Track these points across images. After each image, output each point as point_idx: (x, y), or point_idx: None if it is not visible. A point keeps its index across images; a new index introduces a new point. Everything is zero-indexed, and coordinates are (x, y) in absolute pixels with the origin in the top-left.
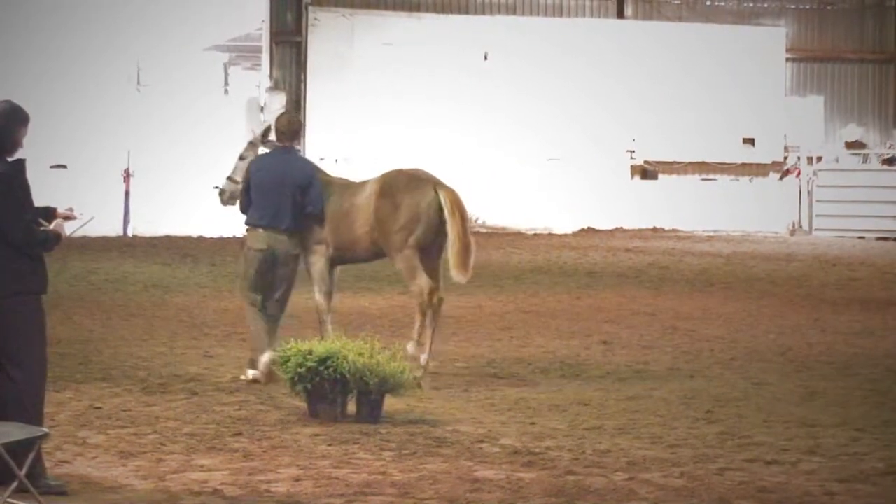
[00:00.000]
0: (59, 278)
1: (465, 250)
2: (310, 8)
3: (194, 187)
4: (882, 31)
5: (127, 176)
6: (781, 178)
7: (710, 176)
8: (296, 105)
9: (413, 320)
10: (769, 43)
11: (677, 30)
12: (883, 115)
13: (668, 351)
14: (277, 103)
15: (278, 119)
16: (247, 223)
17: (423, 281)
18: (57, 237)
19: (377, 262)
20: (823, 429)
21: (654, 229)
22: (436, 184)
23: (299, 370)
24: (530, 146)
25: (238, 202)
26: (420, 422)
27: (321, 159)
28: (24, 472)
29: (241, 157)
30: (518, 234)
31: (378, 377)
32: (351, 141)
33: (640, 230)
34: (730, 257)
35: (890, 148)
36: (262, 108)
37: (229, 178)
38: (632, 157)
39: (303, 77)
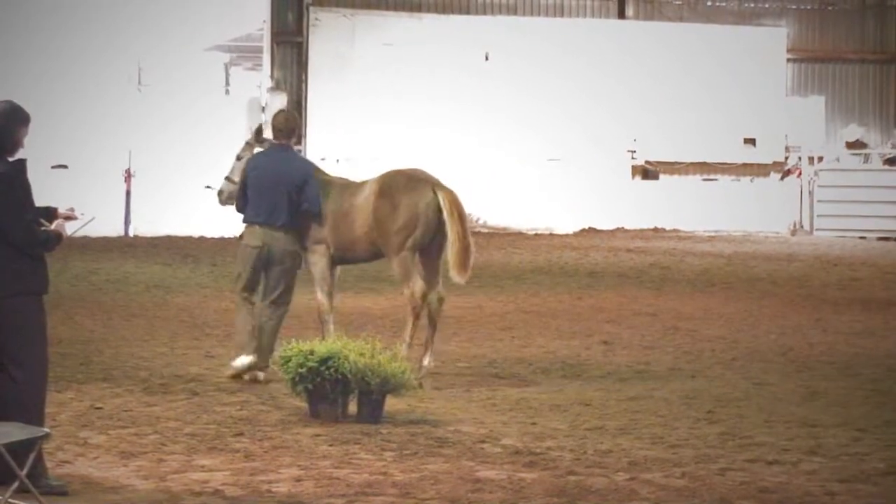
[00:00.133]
0: (61, 278)
1: (464, 251)
2: (311, 8)
3: (195, 187)
4: (883, 32)
5: (128, 176)
6: (782, 178)
7: (712, 176)
8: (297, 105)
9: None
10: (770, 43)
11: (678, 30)
12: (884, 115)
13: (669, 351)
14: (278, 103)
15: (275, 117)
16: (244, 221)
17: (417, 285)
18: (58, 237)
19: (379, 263)
20: (825, 429)
21: (656, 229)
22: (434, 184)
23: (300, 370)
24: (531, 146)
25: (235, 201)
26: (421, 422)
27: (322, 159)
28: (25, 472)
29: (238, 158)
30: (519, 235)
31: (379, 377)
32: (352, 141)
33: (642, 230)
34: (731, 257)
35: (893, 147)
36: (263, 109)
37: (227, 179)
38: (633, 158)
39: (304, 77)
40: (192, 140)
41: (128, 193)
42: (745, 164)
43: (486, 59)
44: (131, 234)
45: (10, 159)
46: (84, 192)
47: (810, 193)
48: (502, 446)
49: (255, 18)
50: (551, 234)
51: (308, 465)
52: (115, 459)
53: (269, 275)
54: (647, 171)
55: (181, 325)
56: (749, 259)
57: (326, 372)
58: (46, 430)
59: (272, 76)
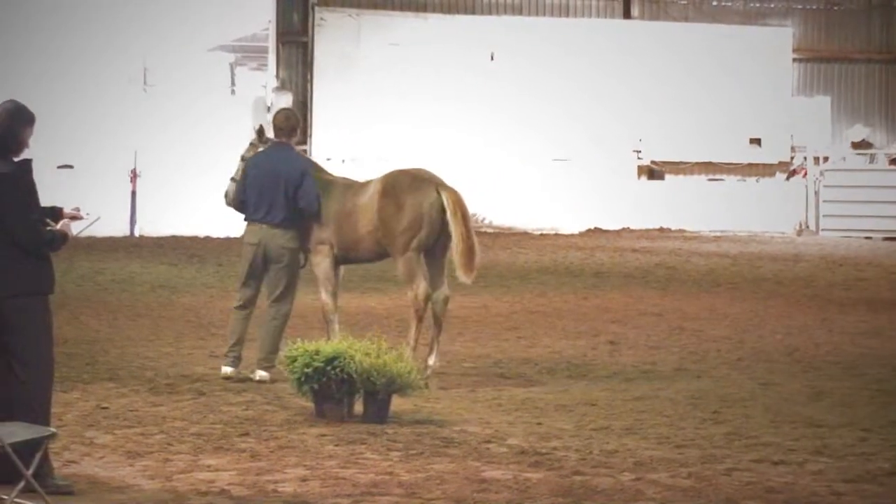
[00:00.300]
0: (66, 278)
1: (468, 251)
2: (316, 8)
3: (201, 187)
4: (889, 32)
5: (133, 176)
6: (788, 178)
7: (717, 176)
8: (302, 105)
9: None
10: (776, 43)
11: (684, 30)
12: (890, 116)
13: (674, 351)
14: (284, 103)
15: (275, 116)
16: (245, 219)
17: (420, 287)
18: (63, 237)
19: (383, 263)
20: (830, 429)
21: (661, 230)
22: (438, 184)
23: (306, 370)
24: (536, 146)
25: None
26: (427, 422)
27: (328, 159)
28: (31, 471)
29: (243, 158)
30: (524, 235)
31: (385, 377)
32: (357, 141)
33: (647, 230)
34: (736, 258)
35: None
36: (268, 109)
37: (232, 180)
38: (638, 158)
39: (309, 77)
40: (197, 140)
41: (133, 193)
42: (750, 165)
43: (492, 59)
44: (137, 234)
45: (16, 159)
46: (89, 192)
47: (816, 193)
48: (508, 446)
49: (261, 18)
50: (557, 235)
51: (314, 464)
52: (121, 459)
53: (269, 274)
54: (653, 172)
55: (187, 325)
56: (755, 259)
57: (332, 372)
58: (52, 429)
59: (277, 76)
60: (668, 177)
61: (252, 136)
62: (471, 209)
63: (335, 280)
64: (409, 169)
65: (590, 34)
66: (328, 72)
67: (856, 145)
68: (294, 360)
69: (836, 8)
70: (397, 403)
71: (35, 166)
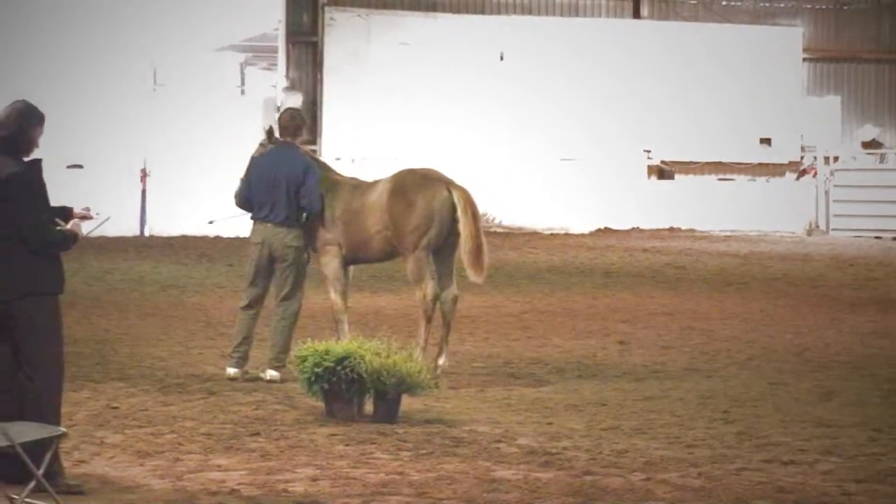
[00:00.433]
0: (76, 278)
1: (477, 250)
2: (326, 8)
3: (210, 187)
4: None
5: (143, 176)
6: (798, 178)
7: (727, 176)
8: (312, 105)
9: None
10: (785, 43)
11: (693, 30)
12: None
13: (685, 351)
14: (293, 103)
15: (280, 115)
16: (251, 218)
17: (428, 288)
18: (73, 237)
19: (393, 263)
20: (841, 429)
21: (671, 229)
22: (448, 183)
23: (316, 370)
24: (546, 146)
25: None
26: (437, 422)
27: (337, 159)
28: (41, 471)
29: (253, 159)
30: (534, 234)
31: (395, 377)
32: (367, 141)
33: (657, 230)
34: (747, 257)
35: None
36: (278, 108)
37: (242, 180)
38: (648, 157)
39: (319, 77)
40: (207, 140)
41: (143, 193)
42: (760, 164)
43: (501, 58)
44: (147, 233)
45: (26, 159)
46: (99, 191)
47: (826, 193)
48: (518, 446)
49: (271, 18)
50: (567, 234)
51: (324, 464)
52: (131, 459)
53: (275, 274)
54: (663, 171)
55: (197, 325)
56: (765, 259)
57: (342, 372)
58: (62, 429)
59: (287, 76)
60: (677, 176)
61: (262, 136)
62: (480, 208)
63: (344, 280)
64: (418, 168)
65: (599, 34)
66: (338, 72)
67: (866, 145)
68: (304, 359)
69: (845, 8)
70: (407, 403)
71: (45, 166)
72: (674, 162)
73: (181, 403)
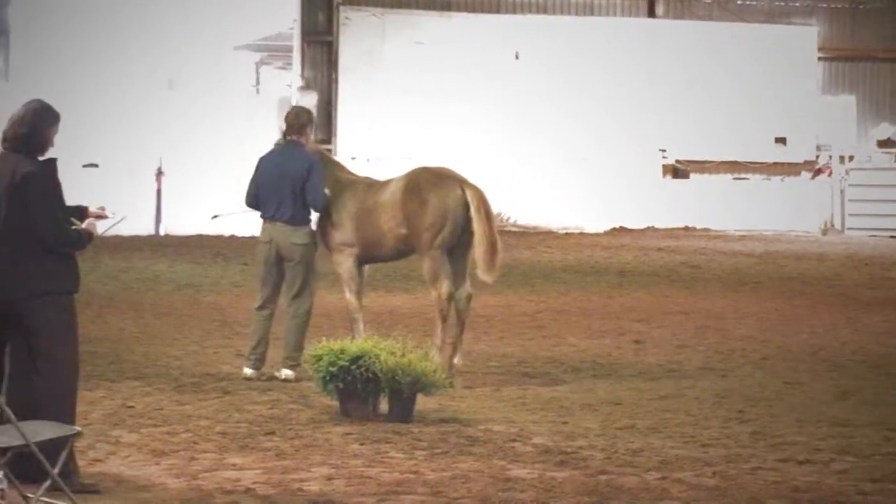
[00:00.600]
0: (91, 277)
1: (491, 249)
2: (341, 7)
3: (225, 186)
4: None
5: (159, 175)
6: (813, 177)
7: (742, 175)
8: (326, 104)
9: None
10: (801, 42)
11: (708, 29)
12: None
13: (700, 350)
14: (308, 102)
15: (287, 113)
16: (260, 217)
17: (444, 287)
18: (89, 236)
19: (408, 262)
20: (856, 428)
21: (686, 228)
22: (461, 182)
23: (331, 369)
24: (562, 145)
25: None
26: (452, 421)
27: (352, 158)
28: (56, 470)
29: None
30: (549, 234)
31: (410, 376)
32: (382, 140)
33: (672, 229)
34: (762, 256)
35: None
36: None
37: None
38: (663, 157)
39: (334, 76)
40: (222, 139)
41: (158, 192)
42: (775, 163)
43: (516, 57)
44: (162, 232)
45: (41, 158)
46: (115, 190)
47: (841, 192)
48: (533, 445)
49: (286, 17)
50: (581, 233)
51: (339, 463)
52: (146, 458)
53: (285, 273)
54: (678, 170)
55: (212, 324)
56: (780, 258)
57: (357, 371)
58: (78, 428)
59: (302, 75)
60: (692, 176)
61: (277, 135)
62: (494, 207)
63: (359, 279)
64: (432, 167)
65: (614, 33)
66: (353, 71)
67: (881, 144)
68: (319, 358)
69: (861, 7)
70: (422, 402)
71: (60, 165)
72: (689, 161)
73: (196, 402)
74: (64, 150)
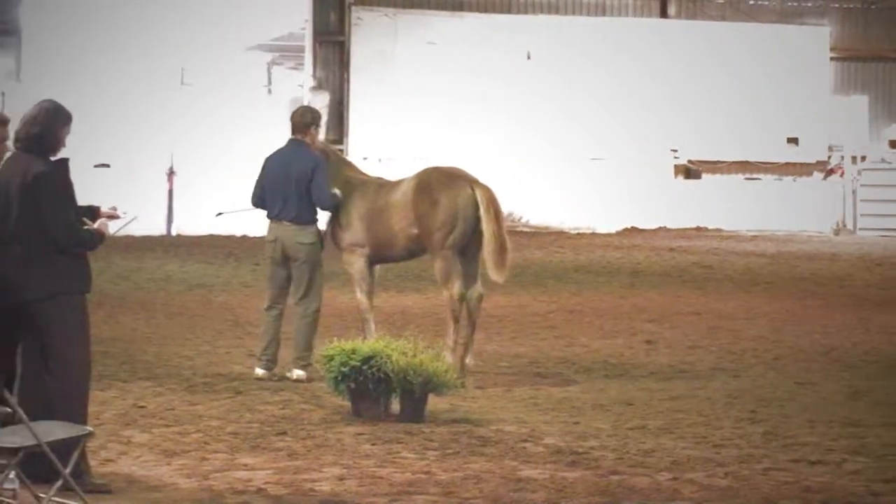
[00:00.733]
0: (103, 277)
1: (500, 249)
2: (353, 7)
3: (237, 186)
4: None
5: (170, 175)
6: (825, 177)
7: (754, 175)
8: (339, 104)
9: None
10: (813, 42)
11: (720, 29)
12: None
13: (712, 350)
14: (320, 103)
15: (293, 112)
16: (266, 217)
17: (455, 287)
18: (100, 236)
19: (420, 261)
20: (868, 428)
21: (698, 229)
22: (472, 182)
23: (343, 369)
24: (573, 145)
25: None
26: (464, 421)
27: (364, 158)
28: (68, 470)
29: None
30: (561, 234)
31: (421, 376)
32: (394, 140)
33: (684, 230)
34: (774, 257)
35: None
36: None
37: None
38: (675, 157)
39: (345, 76)
40: (234, 139)
41: (170, 192)
42: (787, 164)
43: (528, 58)
44: (174, 232)
45: (53, 158)
46: (126, 190)
47: (853, 193)
48: (545, 445)
49: (298, 18)
50: (593, 234)
51: (351, 463)
52: (158, 458)
53: (292, 273)
54: (690, 171)
55: (224, 324)
56: (792, 258)
57: (369, 371)
58: (89, 428)
59: (314, 75)
60: (704, 176)
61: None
62: (506, 208)
63: (370, 279)
64: (443, 167)
65: (626, 33)
66: (365, 71)
67: (893, 144)
68: (331, 358)
69: (873, 6)
70: (434, 402)
71: (72, 165)
72: (701, 161)
73: (208, 402)
74: (76, 151)
